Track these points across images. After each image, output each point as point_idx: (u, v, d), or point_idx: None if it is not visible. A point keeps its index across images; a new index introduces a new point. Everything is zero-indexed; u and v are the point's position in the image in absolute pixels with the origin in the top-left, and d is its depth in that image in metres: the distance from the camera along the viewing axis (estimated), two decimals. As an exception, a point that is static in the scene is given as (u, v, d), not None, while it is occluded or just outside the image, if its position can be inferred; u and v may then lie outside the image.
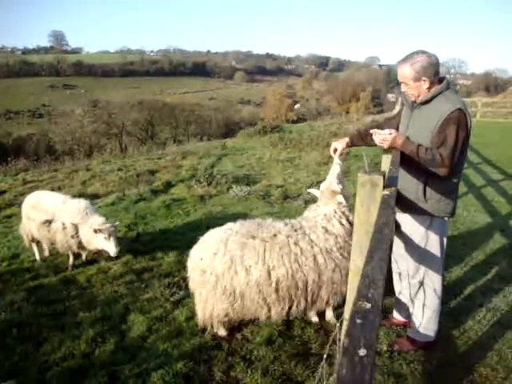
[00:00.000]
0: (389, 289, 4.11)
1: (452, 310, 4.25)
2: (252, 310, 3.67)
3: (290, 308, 3.70)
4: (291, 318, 3.93)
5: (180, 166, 12.83)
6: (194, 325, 4.05)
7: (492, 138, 15.47)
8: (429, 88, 3.08)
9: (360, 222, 2.00)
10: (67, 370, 3.50)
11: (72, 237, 5.31)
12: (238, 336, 3.93)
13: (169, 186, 10.32)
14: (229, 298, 3.63)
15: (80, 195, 9.45)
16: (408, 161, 3.11)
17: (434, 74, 3.06)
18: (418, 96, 3.14)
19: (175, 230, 6.96)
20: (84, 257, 5.74)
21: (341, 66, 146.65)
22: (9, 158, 14.56)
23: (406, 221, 3.41)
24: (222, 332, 3.91)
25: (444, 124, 3.00)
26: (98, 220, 5.32)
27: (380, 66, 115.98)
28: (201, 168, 11.79)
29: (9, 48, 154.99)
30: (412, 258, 3.41)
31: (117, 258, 5.79)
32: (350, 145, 3.71)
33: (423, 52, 3.09)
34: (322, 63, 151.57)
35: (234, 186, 9.22)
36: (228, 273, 3.56)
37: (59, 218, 5.39)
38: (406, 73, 3.07)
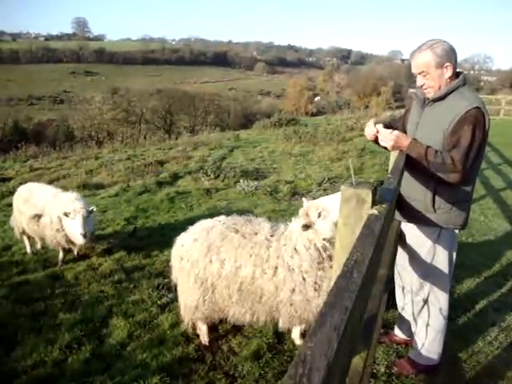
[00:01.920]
0: (391, 302, 3.78)
1: (460, 327, 3.88)
2: (221, 305, 3.51)
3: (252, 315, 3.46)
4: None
5: (190, 157, 12.53)
6: (178, 333, 3.76)
7: (515, 137, 14.84)
8: (450, 78, 2.70)
9: (342, 246, 1.66)
10: (35, 379, 3.23)
11: (58, 230, 5.06)
12: (224, 347, 3.63)
13: (176, 177, 10.05)
14: (200, 287, 3.48)
15: (84, 185, 9.31)
16: (415, 165, 2.75)
17: (455, 61, 2.70)
18: (439, 88, 2.75)
19: (175, 225, 6.67)
20: (76, 251, 5.48)
21: (362, 59, 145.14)
22: (19, 144, 14.43)
23: (411, 231, 3.06)
24: (204, 330, 3.72)
25: (458, 124, 2.63)
26: (68, 203, 5.05)
27: (402, 60, 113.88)
28: (210, 160, 11.46)
29: (32, 34, 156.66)
30: (416, 274, 3.06)
31: (109, 254, 5.57)
32: None
33: (438, 39, 2.72)
34: (344, 56, 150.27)
35: (241, 181, 8.89)
36: (203, 260, 3.45)
37: (49, 213, 5.13)
38: (426, 59, 2.68)
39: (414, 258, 3.07)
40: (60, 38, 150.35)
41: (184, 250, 3.58)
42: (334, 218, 3.14)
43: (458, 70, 2.81)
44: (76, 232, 4.90)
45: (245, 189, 8.46)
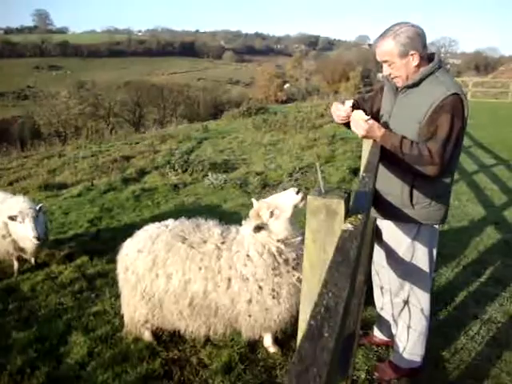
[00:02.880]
0: (369, 299, 3.57)
1: (441, 323, 3.70)
2: (171, 320, 3.28)
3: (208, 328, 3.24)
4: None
5: (157, 151, 12.13)
6: (143, 347, 3.47)
7: (483, 119, 14.87)
8: (418, 66, 2.46)
9: (311, 265, 1.40)
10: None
11: (3, 237, 4.69)
12: (194, 359, 3.36)
13: (142, 173, 9.68)
14: (148, 302, 3.26)
15: (46, 185, 8.87)
16: (390, 157, 2.52)
17: (423, 46, 2.45)
18: (407, 78, 2.52)
19: (141, 224, 6.21)
20: (32, 260, 5.11)
21: (330, 45, 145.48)
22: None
23: (388, 228, 2.83)
24: (148, 337, 3.52)
25: (435, 112, 2.40)
26: (15, 206, 4.65)
27: (370, 45, 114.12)
28: (178, 153, 11.12)
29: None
30: (395, 273, 2.84)
31: (70, 260, 5.23)
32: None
33: (405, 23, 2.47)
34: (312, 42, 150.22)
35: (210, 174, 8.58)
36: (148, 275, 3.21)
37: None
38: (388, 48, 2.44)
39: (391, 256, 2.85)
40: (21, 31, 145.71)
41: (129, 260, 3.32)
42: (287, 216, 2.95)
43: (431, 52, 2.57)
44: (28, 236, 4.51)
45: (213, 183, 8.16)
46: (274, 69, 66.42)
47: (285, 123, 14.68)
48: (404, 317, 2.94)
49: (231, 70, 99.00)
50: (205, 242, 3.19)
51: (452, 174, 2.66)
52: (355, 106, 2.69)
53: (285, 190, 4.39)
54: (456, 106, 2.38)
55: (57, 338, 3.65)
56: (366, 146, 2.85)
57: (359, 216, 1.32)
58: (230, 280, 3.07)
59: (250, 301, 3.05)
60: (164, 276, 3.16)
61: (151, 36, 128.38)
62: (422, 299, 2.85)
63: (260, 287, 3.03)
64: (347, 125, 2.68)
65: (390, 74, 2.56)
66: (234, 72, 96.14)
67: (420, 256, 2.75)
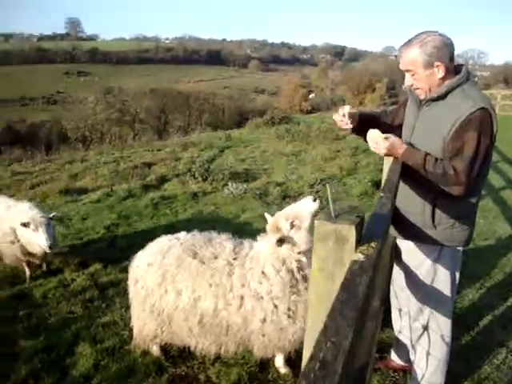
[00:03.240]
0: (388, 319, 3.41)
1: (463, 348, 3.51)
2: (181, 337, 3.18)
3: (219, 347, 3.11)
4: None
5: (179, 158, 12.10)
6: (150, 361, 3.37)
7: (511, 133, 14.46)
8: (443, 78, 2.31)
9: (318, 296, 1.26)
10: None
11: (12, 242, 4.66)
12: (201, 377, 3.25)
13: (163, 180, 9.62)
14: (157, 318, 3.16)
15: (66, 190, 8.87)
16: (412, 174, 2.37)
17: (450, 58, 2.30)
18: (429, 90, 2.37)
19: (157, 233, 6.21)
20: (44, 266, 5.06)
21: (357, 56, 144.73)
22: (2, 148, 14.01)
23: (408, 249, 2.67)
24: (156, 351, 3.42)
25: (462, 128, 2.24)
26: (24, 213, 4.64)
27: (396, 56, 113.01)
28: (199, 161, 11.08)
29: (25, 35, 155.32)
30: (414, 297, 2.68)
31: (84, 267, 5.17)
32: (357, 123, 2.64)
33: (432, 31, 2.32)
34: (338, 53, 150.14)
35: (229, 183, 8.49)
36: (158, 290, 3.12)
37: (1, 227, 4.74)
38: (413, 57, 2.29)
39: (411, 279, 2.69)
40: (53, 38, 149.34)
41: (139, 273, 3.25)
42: (306, 226, 2.80)
43: (458, 64, 2.42)
44: (41, 244, 4.49)
45: (233, 192, 8.06)
46: (299, 78, 66.23)
47: (308, 133, 14.56)
48: (423, 343, 2.78)
49: (257, 79, 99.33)
50: (216, 257, 3.08)
51: (478, 194, 2.50)
52: (367, 120, 2.56)
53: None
54: (484, 122, 2.23)
55: (64, 348, 3.58)
56: (388, 159, 2.69)
57: (372, 244, 1.19)
58: (242, 298, 2.95)
59: (264, 320, 2.92)
60: (173, 292, 3.07)
61: (178, 44, 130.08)
62: (442, 325, 2.68)
63: (275, 306, 2.90)
64: (363, 134, 2.54)
65: (412, 85, 2.41)
66: (260, 81, 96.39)
67: (441, 279, 2.58)
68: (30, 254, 4.76)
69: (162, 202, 7.94)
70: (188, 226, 6.54)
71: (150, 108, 40.11)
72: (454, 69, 2.36)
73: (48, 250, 4.51)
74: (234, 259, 3.04)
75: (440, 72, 2.29)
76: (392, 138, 2.34)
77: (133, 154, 13.49)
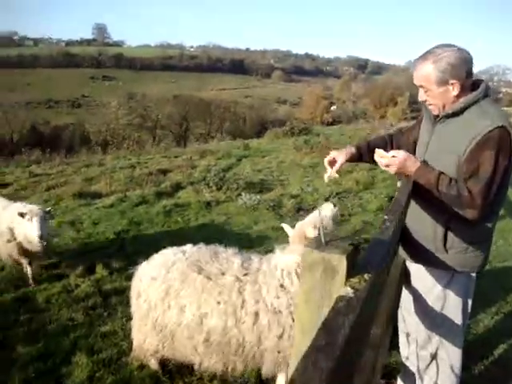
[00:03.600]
0: (394, 344, 3.26)
1: (476, 379, 3.33)
2: (184, 354, 3.05)
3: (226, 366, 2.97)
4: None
5: (195, 166, 12.07)
6: (147, 375, 3.28)
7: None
8: (458, 96, 2.19)
9: (303, 329, 1.13)
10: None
11: (8, 241, 4.70)
12: (199, 395, 3.12)
13: (177, 188, 9.58)
14: (159, 334, 3.05)
15: (80, 194, 8.88)
16: (424, 194, 2.24)
17: (466, 75, 2.17)
18: (444, 107, 2.24)
19: (166, 241, 6.14)
20: (29, 271, 4.95)
21: (379, 69, 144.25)
22: (23, 149, 14.14)
23: (416, 273, 2.53)
24: (154, 365, 3.32)
25: (478, 148, 2.09)
26: (21, 207, 4.74)
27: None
28: (214, 170, 11.03)
29: (54, 39, 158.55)
30: (423, 324, 2.53)
31: (90, 273, 5.11)
32: (357, 158, 2.65)
33: (449, 45, 2.18)
34: (361, 66, 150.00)
35: (243, 194, 8.40)
36: (161, 305, 3.00)
37: None
38: (426, 73, 2.16)
39: (419, 304, 2.54)
40: (80, 43, 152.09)
41: (142, 287, 3.14)
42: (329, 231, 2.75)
43: (477, 79, 2.29)
44: (32, 234, 4.51)
45: (246, 203, 7.96)
46: (321, 90, 66.24)
47: (326, 145, 14.40)
48: (431, 372, 2.62)
49: (279, 90, 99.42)
50: (223, 273, 2.97)
51: (495, 217, 2.34)
52: (376, 146, 2.45)
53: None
54: (502, 141, 2.08)
55: (61, 356, 3.51)
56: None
57: (366, 276, 1.06)
58: (257, 314, 2.83)
59: (281, 336, 2.79)
60: (176, 308, 2.96)
61: (202, 52, 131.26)
62: (452, 354, 2.52)
63: (294, 320, 2.77)
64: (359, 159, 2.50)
65: (425, 101, 2.29)
66: (282, 91, 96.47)
67: (452, 306, 2.43)
68: (25, 252, 4.77)
69: (174, 209, 7.88)
70: (198, 235, 6.49)
71: (172, 114, 40.38)
72: (471, 84, 2.23)
73: (38, 241, 4.51)
74: (245, 275, 2.93)
75: (455, 89, 2.16)
76: (402, 152, 2.21)
77: (150, 160, 13.51)
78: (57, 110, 66.73)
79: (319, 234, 1.19)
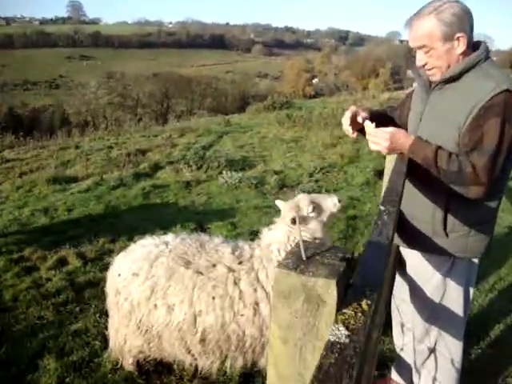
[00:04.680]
0: (386, 329, 3.03)
1: (474, 363, 3.12)
2: (173, 355, 2.78)
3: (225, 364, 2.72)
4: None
5: (175, 144, 11.68)
6: (122, 378, 3.01)
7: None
8: (463, 53, 1.89)
9: (279, 374, 0.84)
10: None
11: None
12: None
13: (156, 168, 9.21)
14: (144, 334, 2.74)
15: (55, 179, 8.47)
16: (419, 173, 1.96)
17: (471, 29, 1.87)
18: (448, 69, 1.93)
19: (145, 226, 5.86)
20: None
21: (361, 40, 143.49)
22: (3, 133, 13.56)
23: (413, 260, 2.26)
24: (130, 366, 3.04)
25: (481, 115, 1.81)
26: None
27: (401, 41, 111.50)
28: (194, 148, 10.65)
29: (27, 18, 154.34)
30: (420, 316, 2.28)
31: (63, 264, 4.80)
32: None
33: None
34: (342, 37, 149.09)
35: (224, 172, 8.07)
36: (145, 305, 2.69)
37: None
38: (428, 30, 1.85)
39: (416, 294, 2.29)
40: (55, 21, 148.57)
41: (121, 283, 2.78)
42: (323, 220, 2.59)
43: (475, 40, 1.99)
44: None
45: (228, 181, 7.65)
46: (303, 63, 65.59)
47: (309, 119, 14.07)
48: (429, 366, 2.39)
49: (260, 64, 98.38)
50: (213, 265, 2.68)
51: (500, 195, 2.06)
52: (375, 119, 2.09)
53: (303, 192, 3.86)
54: (509, 107, 1.80)
55: (26, 362, 3.19)
56: (391, 158, 2.28)
57: (364, 305, 0.76)
58: (257, 304, 2.56)
59: None
60: (164, 307, 2.65)
61: (181, 28, 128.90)
62: (452, 348, 2.28)
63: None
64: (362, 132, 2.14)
65: (425, 65, 1.97)
66: (263, 65, 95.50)
67: (452, 296, 2.18)
68: None
69: (153, 191, 7.56)
70: (179, 217, 6.19)
71: (153, 93, 39.69)
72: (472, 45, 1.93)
73: None
74: (240, 263, 2.65)
75: (460, 46, 1.86)
76: (393, 128, 1.92)
77: (128, 140, 13.05)
78: (34, 91, 65.24)
79: (298, 246, 0.87)
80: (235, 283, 2.59)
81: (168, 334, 2.67)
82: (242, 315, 2.56)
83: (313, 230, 2.57)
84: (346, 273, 0.84)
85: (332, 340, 0.69)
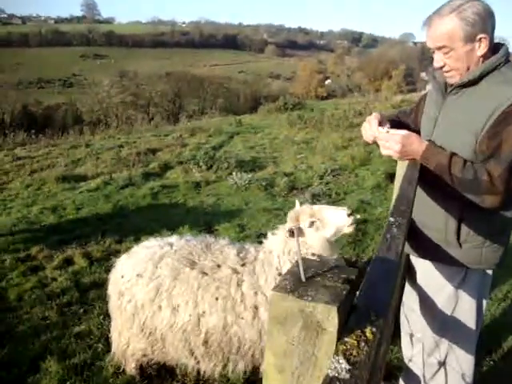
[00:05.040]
0: (395, 342, 2.95)
1: (481, 374, 3.02)
2: (176, 358, 2.73)
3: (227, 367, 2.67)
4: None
5: (185, 144, 11.64)
6: (123, 382, 2.95)
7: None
8: (484, 56, 1.80)
9: None
10: None
11: None
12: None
13: (166, 168, 9.17)
14: (148, 337, 2.70)
15: (64, 177, 8.46)
16: (433, 180, 1.88)
17: (493, 29, 1.78)
18: (467, 71, 1.84)
19: (153, 226, 5.82)
20: None
21: (374, 42, 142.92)
22: (6, 131, 13.61)
23: (424, 270, 2.18)
24: (132, 370, 2.98)
25: (500, 121, 1.72)
26: None
27: (414, 43, 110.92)
28: (204, 148, 10.60)
29: (42, 17, 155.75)
30: (430, 328, 2.19)
31: (69, 264, 4.77)
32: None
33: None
34: (355, 39, 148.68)
35: (234, 173, 8.01)
36: (150, 306, 2.64)
37: None
38: (448, 29, 1.76)
39: (426, 305, 2.20)
40: (70, 20, 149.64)
41: (124, 285, 2.74)
42: (326, 235, 2.42)
43: (496, 42, 1.90)
44: None
45: (237, 182, 7.59)
46: (315, 64, 65.47)
47: (320, 120, 13.96)
48: (439, 380, 2.30)
49: (273, 64, 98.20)
50: (218, 265, 2.64)
51: (515, 205, 1.98)
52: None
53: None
54: None
55: (28, 363, 3.15)
56: (402, 164, 2.19)
57: (368, 332, 0.68)
58: (256, 308, 2.51)
59: None
60: (168, 308, 2.61)
61: (194, 27, 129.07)
62: (463, 363, 2.19)
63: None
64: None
65: (443, 66, 1.88)
66: (276, 66, 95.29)
67: (465, 308, 2.09)
68: None
69: (162, 191, 7.52)
70: (187, 218, 6.14)
71: (165, 92, 39.78)
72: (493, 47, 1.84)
73: None
74: (243, 265, 2.61)
75: (482, 47, 1.77)
76: (406, 131, 1.84)
77: (139, 139, 13.04)
78: (48, 89, 65.66)
79: (297, 266, 0.80)
80: (238, 285, 2.55)
81: (172, 335, 2.62)
82: (243, 318, 2.52)
83: (309, 245, 2.47)
84: (350, 297, 0.77)
85: (331, 375, 0.61)
